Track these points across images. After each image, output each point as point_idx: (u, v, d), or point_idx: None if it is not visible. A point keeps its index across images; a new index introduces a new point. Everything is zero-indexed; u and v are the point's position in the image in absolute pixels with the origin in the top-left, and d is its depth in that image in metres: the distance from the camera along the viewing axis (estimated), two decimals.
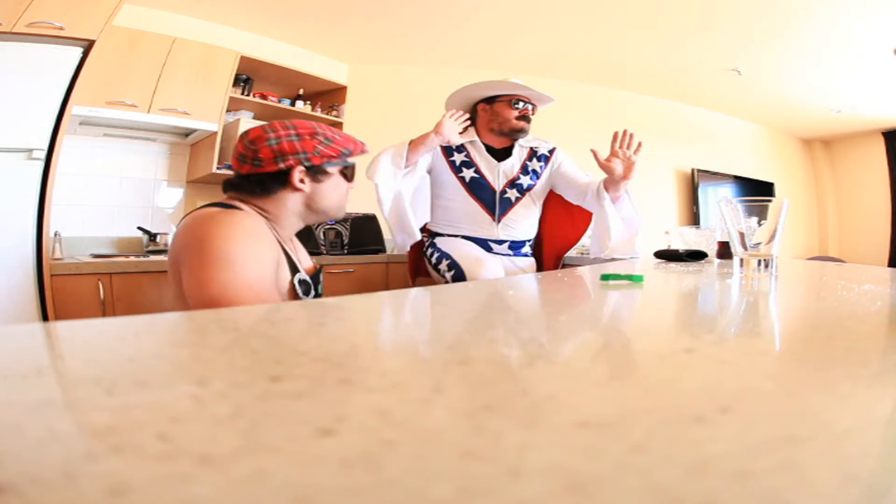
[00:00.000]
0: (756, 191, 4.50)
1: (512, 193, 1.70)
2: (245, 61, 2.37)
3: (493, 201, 1.70)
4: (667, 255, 1.39)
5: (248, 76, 2.49)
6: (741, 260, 0.83)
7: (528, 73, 3.47)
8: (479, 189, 1.70)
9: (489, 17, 2.64)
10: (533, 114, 1.74)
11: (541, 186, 1.75)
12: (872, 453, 0.16)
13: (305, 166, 0.92)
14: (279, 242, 0.92)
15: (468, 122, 1.65)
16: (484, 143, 1.73)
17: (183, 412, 0.19)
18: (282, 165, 0.90)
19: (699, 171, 4.21)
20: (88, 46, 1.73)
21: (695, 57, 3.16)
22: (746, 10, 2.52)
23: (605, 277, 0.76)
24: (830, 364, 0.28)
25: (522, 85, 1.71)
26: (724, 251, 1.33)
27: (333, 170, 0.97)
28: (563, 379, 0.25)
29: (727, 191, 4.42)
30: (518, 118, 1.70)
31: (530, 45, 2.99)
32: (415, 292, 0.66)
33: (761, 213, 0.80)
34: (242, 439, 0.16)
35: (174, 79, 2.15)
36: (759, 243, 0.81)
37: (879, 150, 4.69)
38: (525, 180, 1.72)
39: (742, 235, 0.82)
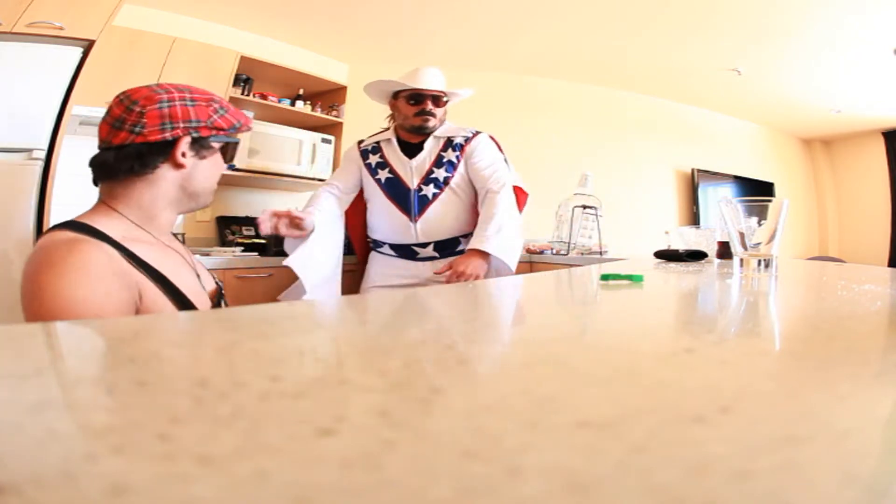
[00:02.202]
0: (756, 191, 4.49)
1: (428, 190, 1.61)
2: (245, 61, 2.37)
3: (408, 200, 1.63)
4: (667, 255, 1.39)
5: (248, 76, 2.49)
6: (741, 260, 0.83)
7: (528, 73, 3.48)
8: (394, 189, 1.64)
9: (489, 18, 2.64)
10: (440, 106, 1.63)
11: (460, 180, 1.64)
12: (872, 453, 0.16)
13: (193, 137, 0.78)
14: (141, 268, 0.71)
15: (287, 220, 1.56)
16: (400, 140, 1.67)
17: (183, 412, 0.19)
18: (168, 135, 0.74)
19: (699, 171, 4.21)
20: (88, 46, 1.73)
21: (695, 57, 3.16)
22: (746, 10, 2.52)
23: (605, 277, 0.76)
24: (830, 364, 0.28)
25: (414, 83, 1.61)
26: (724, 251, 1.33)
27: (217, 145, 0.83)
28: (563, 379, 0.25)
29: (727, 191, 4.42)
30: (416, 115, 1.61)
31: (530, 45, 2.99)
32: (415, 292, 0.66)
33: (761, 213, 0.80)
34: (242, 439, 0.16)
35: (174, 79, 2.14)
36: (759, 243, 0.81)
37: (879, 150, 4.69)
38: (440, 173, 1.63)
39: (742, 235, 0.82)
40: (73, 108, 1.74)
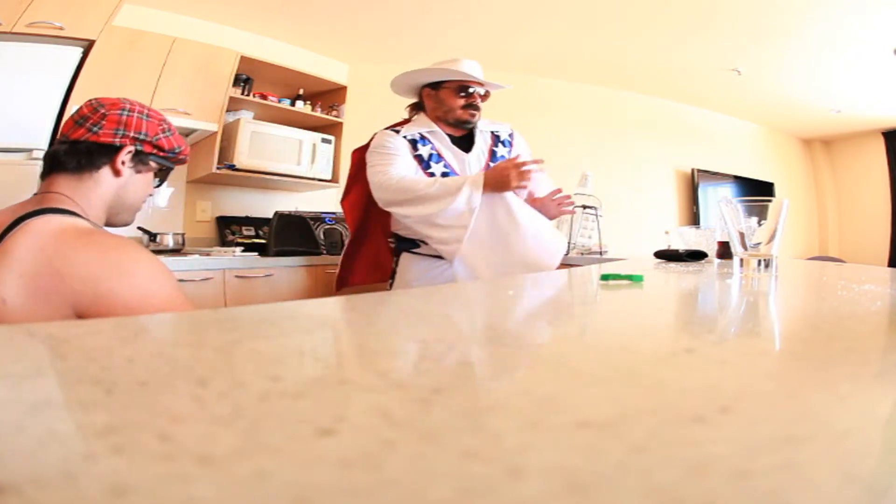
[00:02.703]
0: (756, 191, 4.50)
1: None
2: (245, 61, 2.37)
3: None
4: (667, 255, 1.39)
5: (248, 76, 2.49)
6: (741, 260, 0.83)
7: (528, 73, 3.47)
8: None
9: (489, 17, 2.64)
10: (484, 101, 1.59)
11: None
12: (872, 453, 0.16)
13: (137, 149, 0.83)
14: None
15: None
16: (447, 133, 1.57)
17: (183, 412, 0.19)
18: (117, 140, 0.80)
19: (699, 171, 4.21)
20: (88, 46, 1.73)
21: (695, 57, 3.16)
22: (746, 10, 2.52)
23: (605, 277, 0.76)
24: (830, 364, 0.28)
25: (467, 73, 1.53)
26: (724, 251, 1.33)
27: (154, 166, 0.87)
28: (563, 379, 0.25)
29: (727, 191, 4.42)
30: (465, 107, 1.54)
31: (530, 45, 2.99)
32: (416, 292, 0.66)
33: (761, 213, 0.80)
34: (242, 439, 0.16)
35: (174, 79, 2.15)
36: (759, 243, 0.81)
37: (879, 150, 4.69)
38: None
39: (742, 235, 0.82)
40: (73, 109, 1.74)
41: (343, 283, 1.79)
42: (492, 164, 1.53)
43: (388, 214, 1.64)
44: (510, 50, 3.05)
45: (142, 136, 0.82)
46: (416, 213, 1.45)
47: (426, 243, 1.56)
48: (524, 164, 1.38)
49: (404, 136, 1.57)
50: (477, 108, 1.56)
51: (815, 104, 3.99)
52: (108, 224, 0.87)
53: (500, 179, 1.40)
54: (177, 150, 0.88)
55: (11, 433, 0.16)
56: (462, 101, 1.54)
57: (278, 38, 2.77)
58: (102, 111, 0.80)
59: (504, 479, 0.13)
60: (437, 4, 2.50)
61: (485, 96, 1.58)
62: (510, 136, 1.63)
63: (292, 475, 0.14)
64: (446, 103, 1.55)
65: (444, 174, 1.52)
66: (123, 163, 0.82)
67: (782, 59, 3.10)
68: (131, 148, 0.82)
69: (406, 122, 1.63)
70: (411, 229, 1.57)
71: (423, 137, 1.56)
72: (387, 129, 1.62)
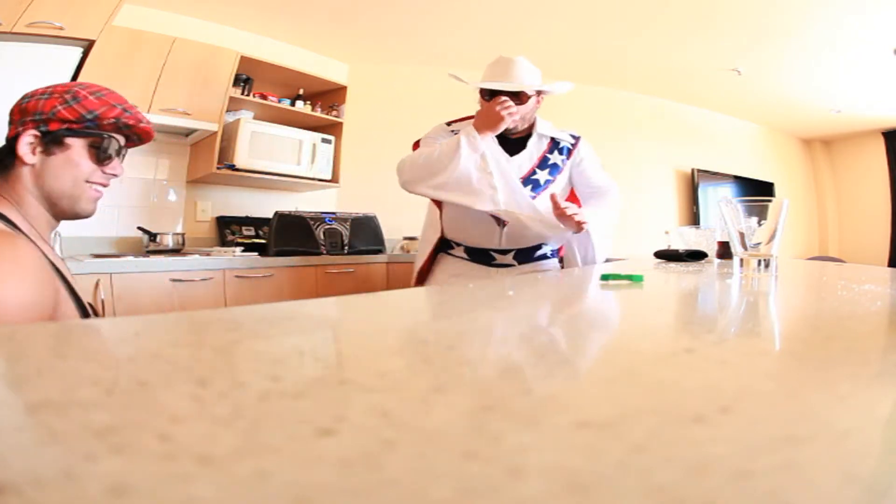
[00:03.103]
0: (756, 191, 4.50)
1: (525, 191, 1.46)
2: (245, 61, 2.37)
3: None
4: (667, 255, 1.39)
5: (248, 76, 2.49)
6: (741, 260, 0.83)
7: None
8: None
9: (489, 17, 2.64)
10: (523, 102, 1.43)
11: (563, 183, 1.51)
12: (872, 453, 0.16)
13: (41, 131, 0.73)
14: (56, 267, 0.70)
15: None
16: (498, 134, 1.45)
17: (183, 412, 0.19)
18: (19, 129, 0.72)
19: (699, 171, 4.21)
20: (88, 46, 1.73)
21: (695, 57, 3.16)
22: (746, 10, 2.52)
23: (605, 277, 0.76)
24: (830, 364, 0.28)
25: (489, 80, 1.44)
26: (724, 251, 1.33)
27: (74, 142, 0.75)
28: (563, 379, 0.25)
29: (727, 191, 4.42)
30: None
31: (530, 45, 2.99)
32: (415, 292, 0.66)
33: (761, 213, 0.80)
34: (242, 439, 0.16)
35: (174, 79, 2.15)
36: (759, 243, 0.81)
37: (879, 150, 4.69)
38: (542, 175, 1.47)
39: (742, 235, 0.82)
40: None
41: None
42: (539, 170, 1.46)
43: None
44: (510, 50, 3.04)
45: (38, 117, 0.73)
46: (435, 183, 1.38)
47: (459, 245, 1.52)
48: (503, 101, 1.33)
49: (452, 131, 1.51)
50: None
51: (815, 104, 3.99)
52: (63, 217, 0.79)
53: (486, 119, 1.35)
54: (90, 116, 0.75)
55: (11, 433, 0.16)
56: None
57: (278, 38, 2.77)
58: (14, 106, 0.74)
59: (504, 479, 0.13)
60: (437, 4, 2.50)
61: (521, 98, 1.42)
62: (573, 144, 1.51)
63: (292, 475, 0.14)
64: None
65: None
66: (33, 150, 0.73)
67: (782, 59, 3.10)
68: (31, 132, 0.73)
69: (470, 117, 1.50)
70: (453, 228, 1.53)
71: None
72: (451, 121, 1.55)
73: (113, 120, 0.76)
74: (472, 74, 1.52)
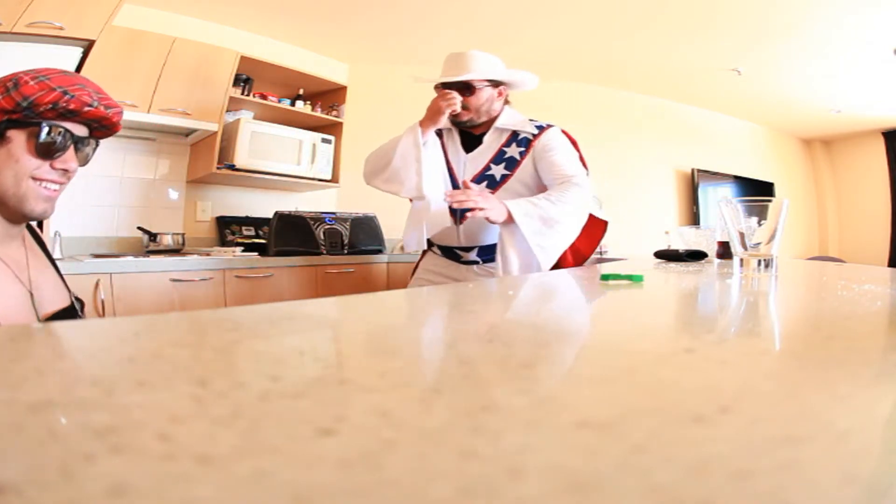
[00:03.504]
0: (756, 191, 4.50)
1: (479, 188, 1.41)
2: (245, 61, 2.37)
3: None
4: (667, 255, 1.39)
5: (248, 76, 2.49)
6: (741, 260, 0.83)
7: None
8: (445, 186, 1.45)
9: (489, 17, 2.64)
10: (473, 94, 1.40)
11: (523, 177, 1.43)
12: (872, 453, 0.16)
13: None
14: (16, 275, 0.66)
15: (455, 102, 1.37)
16: (461, 130, 1.48)
17: (183, 412, 0.19)
18: None
19: (699, 171, 4.21)
20: (88, 46, 1.73)
21: (695, 57, 3.16)
22: (746, 10, 2.52)
23: (605, 277, 0.76)
24: (830, 364, 0.28)
25: (441, 75, 1.42)
26: (724, 251, 1.33)
27: (14, 134, 0.67)
28: (563, 379, 0.25)
29: (727, 191, 4.42)
30: None
31: (530, 45, 2.99)
32: (414, 292, 0.66)
33: (761, 213, 0.80)
34: (242, 439, 0.16)
35: (174, 79, 2.15)
36: (759, 243, 0.81)
37: (879, 150, 4.70)
38: (497, 170, 1.42)
39: (742, 235, 0.82)
40: None
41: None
42: (494, 165, 1.43)
43: None
44: (510, 50, 3.05)
45: None
46: (384, 177, 1.41)
47: (434, 243, 1.55)
48: (444, 94, 1.34)
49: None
50: (465, 108, 1.40)
51: (815, 104, 3.99)
52: (15, 220, 0.72)
53: (428, 112, 1.36)
54: (25, 103, 0.66)
55: (11, 433, 0.16)
56: None
57: (278, 38, 2.77)
58: None
59: (504, 479, 0.13)
60: (437, 4, 2.50)
61: (471, 91, 1.40)
62: (534, 135, 1.44)
63: (292, 475, 0.14)
64: None
65: (442, 173, 1.46)
66: None
67: (782, 59, 3.10)
68: None
69: None
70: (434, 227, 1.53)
71: (438, 132, 1.47)
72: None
73: (50, 105, 0.66)
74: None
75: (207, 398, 0.20)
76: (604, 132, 3.77)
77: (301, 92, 2.73)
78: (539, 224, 1.31)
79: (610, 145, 3.77)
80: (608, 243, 2.52)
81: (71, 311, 0.79)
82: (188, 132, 2.33)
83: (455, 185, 1.45)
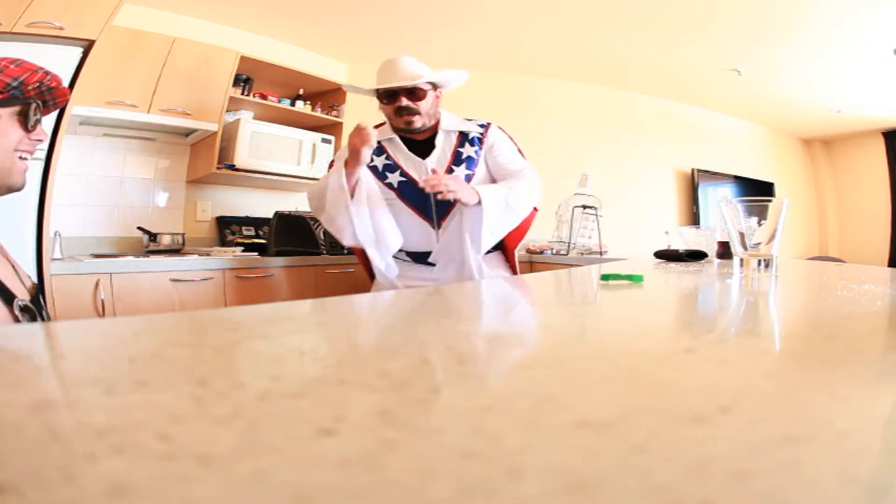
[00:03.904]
0: (756, 191, 4.50)
1: (452, 176, 1.41)
2: (245, 61, 2.37)
3: (427, 205, 1.43)
4: (667, 255, 1.39)
5: (248, 76, 2.49)
6: (741, 260, 0.83)
7: (528, 74, 3.48)
8: (411, 194, 1.43)
9: (489, 17, 2.64)
10: (420, 98, 1.41)
11: (482, 174, 1.48)
12: (872, 453, 0.16)
13: None
14: None
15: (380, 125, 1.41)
16: (404, 138, 1.47)
17: (183, 412, 0.19)
18: None
19: (699, 171, 4.21)
20: (88, 46, 1.73)
21: (695, 57, 3.15)
22: (746, 10, 2.52)
23: (605, 277, 0.76)
24: (830, 364, 0.28)
25: (380, 82, 1.43)
26: (724, 251, 1.33)
27: (2, 111, 0.72)
28: (563, 379, 0.25)
29: (727, 191, 4.42)
30: (396, 114, 1.41)
31: (530, 45, 2.99)
32: (415, 292, 0.66)
33: (761, 213, 0.80)
34: (242, 439, 0.16)
35: (174, 79, 2.15)
36: (759, 243, 0.81)
37: (879, 150, 4.70)
38: (460, 171, 1.43)
39: (742, 235, 0.82)
40: (73, 108, 1.74)
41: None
42: (455, 168, 1.44)
43: None
44: (510, 50, 3.05)
45: None
46: (325, 217, 1.43)
47: (404, 252, 1.53)
48: (358, 128, 1.32)
49: None
50: (409, 111, 1.40)
51: (815, 104, 3.99)
52: None
53: (350, 153, 1.34)
54: (16, 83, 0.72)
55: (11, 433, 0.16)
56: (390, 108, 1.42)
57: (278, 38, 2.77)
58: None
59: (504, 479, 0.13)
60: (437, 4, 2.50)
61: (418, 94, 1.41)
62: (482, 133, 1.48)
63: (292, 475, 0.14)
64: (385, 113, 1.47)
65: (402, 182, 1.44)
66: None
67: (782, 59, 3.10)
68: None
69: (382, 124, 1.52)
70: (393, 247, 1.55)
71: (379, 147, 1.46)
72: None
73: (37, 84, 0.74)
74: (475, 74, 1.54)
75: (207, 398, 0.20)
76: (604, 132, 3.77)
77: (301, 92, 2.73)
78: (502, 209, 1.39)
79: (610, 145, 3.77)
80: (608, 243, 2.52)
81: (38, 294, 0.80)
82: (188, 132, 2.33)
83: (423, 193, 1.41)
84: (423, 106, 1.42)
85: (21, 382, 0.22)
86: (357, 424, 0.18)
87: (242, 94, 2.46)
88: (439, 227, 1.45)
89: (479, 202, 1.36)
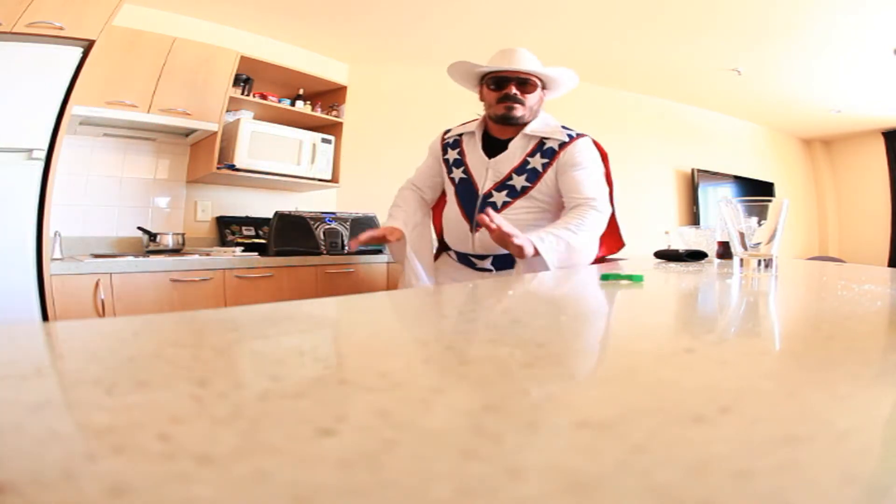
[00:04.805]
0: (756, 191, 4.50)
1: (499, 197, 1.38)
2: (245, 61, 2.37)
3: (473, 207, 1.41)
4: (667, 255, 1.39)
5: (248, 76, 2.49)
6: (741, 260, 0.83)
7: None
8: (464, 192, 1.43)
9: (489, 17, 2.64)
10: (529, 91, 1.38)
11: (545, 188, 1.38)
12: (872, 453, 0.16)
13: None
14: None
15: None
16: (487, 134, 1.44)
17: (183, 412, 0.19)
18: None
19: (699, 171, 4.21)
20: (88, 46, 1.73)
21: (695, 57, 3.15)
22: (746, 10, 2.52)
23: (605, 277, 0.76)
24: (830, 364, 0.28)
25: (496, 64, 1.40)
26: (724, 251, 1.33)
27: None
28: (563, 379, 0.25)
29: (727, 191, 4.42)
30: (499, 101, 1.37)
31: (530, 45, 2.98)
32: (415, 292, 0.66)
33: (761, 213, 0.80)
34: (242, 439, 0.16)
35: (174, 79, 2.15)
36: (759, 243, 0.81)
37: (879, 150, 4.70)
38: (519, 181, 1.38)
39: (742, 235, 0.82)
40: (73, 108, 1.73)
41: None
42: (516, 175, 1.39)
43: (438, 210, 1.66)
44: None
45: None
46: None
47: (452, 249, 1.55)
48: (365, 232, 1.49)
49: (444, 138, 1.55)
50: (515, 101, 1.37)
51: (815, 104, 3.99)
52: None
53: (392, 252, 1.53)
54: None
55: (11, 433, 0.16)
56: (496, 95, 1.38)
57: (278, 38, 2.77)
58: None
59: (504, 479, 0.13)
60: (438, 4, 2.50)
61: (527, 86, 1.39)
62: (561, 145, 1.38)
63: (292, 475, 0.14)
64: (486, 99, 1.43)
65: (462, 180, 1.44)
66: None
67: (782, 59, 3.10)
68: None
69: (469, 122, 1.53)
70: (444, 232, 1.59)
71: (456, 141, 1.48)
72: (449, 129, 1.58)
73: None
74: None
75: (207, 398, 0.20)
76: (604, 132, 3.76)
77: (301, 92, 2.73)
78: (563, 256, 1.27)
79: (610, 145, 3.75)
80: None
81: None
82: (188, 132, 2.33)
83: (474, 192, 1.42)
84: (530, 100, 1.40)
85: (21, 382, 0.22)
86: (357, 424, 0.18)
87: (242, 94, 2.46)
88: (477, 230, 1.42)
89: (536, 253, 1.24)
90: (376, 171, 2.96)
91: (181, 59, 2.18)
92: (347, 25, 2.67)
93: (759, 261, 0.81)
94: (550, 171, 1.38)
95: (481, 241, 1.41)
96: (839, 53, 2.97)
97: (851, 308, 0.48)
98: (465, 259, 1.50)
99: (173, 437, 0.16)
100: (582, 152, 1.39)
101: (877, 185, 4.75)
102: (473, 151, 1.44)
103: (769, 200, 0.80)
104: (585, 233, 1.31)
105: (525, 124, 1.40)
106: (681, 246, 1.59)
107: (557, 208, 1.43)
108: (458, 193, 1.45)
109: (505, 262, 1.43)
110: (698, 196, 4.18)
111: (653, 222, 3.76)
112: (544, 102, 1.49)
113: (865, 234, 4.85)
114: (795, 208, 4.77)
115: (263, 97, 2.53)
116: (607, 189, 1.45)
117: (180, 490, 0.13)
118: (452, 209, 1.47)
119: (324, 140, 2.63)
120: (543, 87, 1.46)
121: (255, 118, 2.52)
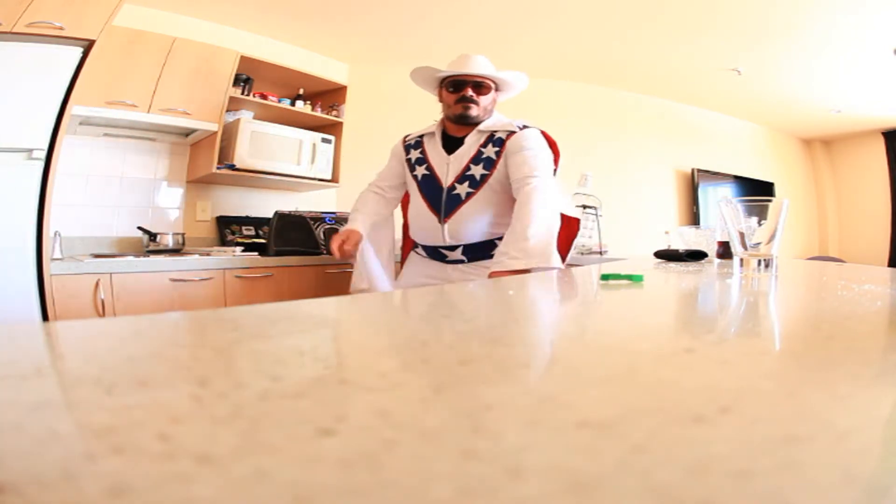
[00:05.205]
0: (756, 191, 4.50)
1: (462, 188, 1.50)
2: (245, 61, 2.37)
3: (439, 199, 1.52)
4: (667, 255, 1.39)
5: (248, 76, 2.49)
6: (741, 260, 0.83)
7: (528, 74, 3.47)
8: (429, 187, 1.55)
9: (489, 17, 2.64)
10: (483, 93, 1.52)
11: (500, 176, 1.50)
12: (872, 453, 0.16)
13: None
14: None
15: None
16: (445, 134, 1.58)
17: (183, 412, 0.19)
18: None
19: (699, 171, 4.21)
20: (88, 46, 1.73)
21: (695, 57, 3.15)
22: (746, 10, 2.52)
23: (605, 277, 0.76)
24: (830, 364, 0.28)
25: (454, 68, 1.54)
26: (724, 251, 1.33)
27: None
28: (563, 379, 0.25)
29: (727, 191, 4.42)
30: (457, 102, 1.51)
31: (530, 45, 2.99)
32: (415, 292, 0.66)
33: (761, 213, 0.80)
34: (242, 439, 0.16)
35: (174, 79, 2.15)
36: (759, 243, 0.81)
37: (879, 150, 4.69)
38: (477, 170, 1.50)
39: (742, 235, 0.82)
40: (73, 108, 1.73)
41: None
42: (473, 165, 1.50)
43: (403, 212, 1.78)
44: (510, 50, 3.05)
45: None
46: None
47: (418, 244, 1.65)
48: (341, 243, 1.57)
49: (406, 141, 1.68)
50: (471, 101, 1.50)
51: (815, 104, 3.99)
52: None
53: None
54: None
55: (11, 433, 0.16)
56: (454, 96, 1.52)
57: (278, 38, 2.77)
58: None
59: (504, 479, 0.13)
60: (437, 4, 2.50)
61: (482, 89, 1.53)
62: (508, 135, 1.51)
63: (292, 475, 0.14)
64: (445, 100, 1.57)
65: (425, 176, 1.57)
66: None
67: (782, 59, 3.10)
68: None
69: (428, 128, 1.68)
70: (412, 229, 1.67)
71: (418, 142, 1.62)
72: (409, 133, 1.71)
73: None
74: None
75: (207, 398, 0.20)
76: (604, 132, 3.76)
77: (301, 92, 2.73)
78: (545, 249, 1.40)
79: (610, 145, 3.77)
80: (608, 243, 2.52)
81: None
82: (188, 132, 2.33)
83: (438, 186, 1.54)
84: (484, 101, 1.53)
85: (21, 382, 0.22)
86: (357, 424, 0.18)
87: (242, 93, 2.46)
88: (445, 221, 1.53)
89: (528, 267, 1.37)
90: (376, 171, 2.95)
91: (181, 58, 2.17)
92: (347, 25, 2.67)
93: (759, 261, 0.81)
94: (502, 160, 1.50)
95: (451, 232, 1.52)
96: (839, 53, 2.97)
97: (851, 308, 0.48)
98: (436, 253, 1.59)
99: (173, 437, 0.16)
100: (528, 139, 1.51)
101: (877, 185, 4.75)
102: (434, 149, 1.58)
103: (769, 200, 0.80)
104: (542, 217, 1.41)
105: (480, 122, 1.54)
106: (681, 246, 1.59)
107: (512, 201, 1.52)
108: (422, 189, 1.57)
109: (476, 252, 1.54)
110: (698, 196, 4.18)
111: (653, 222, 3.77)
112: (497, 103, 1.63)
113: (865, 234, 4.85)
114: (795, 208, 4.77)
115: (263, 97, 2.53)
116: (552, 168, 1.56)
117: (180, 490, 0.13)
118: (418, 204, 1.58)
119: (324, 140, 2.63)
120: (497, 89, 1.59)
121: (255, 118, 2.52)
